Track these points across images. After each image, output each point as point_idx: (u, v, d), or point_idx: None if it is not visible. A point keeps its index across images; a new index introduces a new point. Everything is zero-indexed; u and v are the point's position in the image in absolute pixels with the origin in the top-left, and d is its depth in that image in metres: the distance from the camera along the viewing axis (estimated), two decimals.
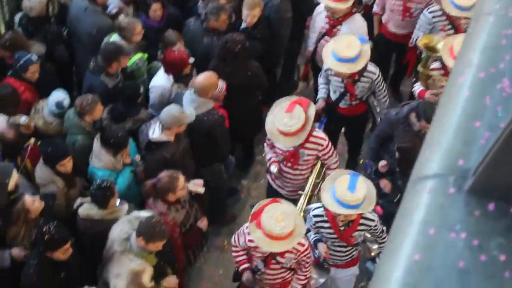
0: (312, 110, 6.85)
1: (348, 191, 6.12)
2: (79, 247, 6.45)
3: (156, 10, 8.41)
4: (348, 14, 8.20)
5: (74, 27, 8.42)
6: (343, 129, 8.66)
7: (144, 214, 6.36)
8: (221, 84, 7.45)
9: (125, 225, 6.29)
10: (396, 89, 9.94)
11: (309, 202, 7.14)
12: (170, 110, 7.03)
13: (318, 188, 7.20)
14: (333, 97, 8.01)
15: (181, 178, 6.63)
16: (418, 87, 7.76)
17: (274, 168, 7.25)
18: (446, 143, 1.85)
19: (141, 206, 6.93)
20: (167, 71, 7.67)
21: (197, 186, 7.04)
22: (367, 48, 7.41)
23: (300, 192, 7.25)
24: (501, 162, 1.71)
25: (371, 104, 8.03)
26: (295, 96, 7.11)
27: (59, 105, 7.38)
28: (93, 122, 7.29)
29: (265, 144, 7.54)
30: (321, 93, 8.09)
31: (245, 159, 9.12)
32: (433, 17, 8.17)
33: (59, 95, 7.45)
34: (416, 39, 8.20)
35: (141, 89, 7.62)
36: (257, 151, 9.19)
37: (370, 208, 6.29)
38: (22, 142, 7.11)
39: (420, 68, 7.71)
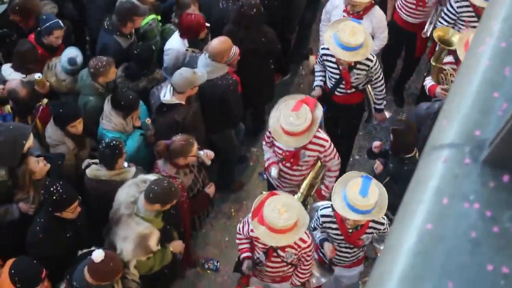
0: (320, 111, 6.59)
1: (360, 196, 5.91)
2: (86, 207, 6.49)
3: None
4: (368, 6, 7.81)
5: None
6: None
7: (151, 177, 6.37)
8: (235, 49, 7.40)
9: (132, 188, 6.30)
10: (399, 93, 9.58)
11: (304, 202, 6.88)
12: (182, 73, 7.00)
13: (315, 189, 7.08)
14: (329, 84, 7.70)
15: (195, 144, 6.62)
16: (429, 82, 7.48)
17: (274, 171, 6.96)
18: (463, 112, 1.82)
19: (150, 169, 6.93)
20: (182, 35, 7.63)
21: (207, 157, 7.02)
22: (370, 38, 7.18)
23: (295, 190, 7.02)
24: None
25: (367, 93, 7.80)
26: (302, 95, 6.81)
27: (71, 61, 7.36)
28: (106, 83, 7.26)
29: (263, 142, 7.26)
30: (318, 81, 7.81)
31: (255, 126, 9.10)
32: (459, 7, 7.75)
33: (72, 52, 7.43)
34: (432, 31, 7.99)
35: (154, 49, 7.58)
36: (267, 119, 9.16)
37: (381, 215, 6.09)
38: (34, 102, 7.11)
39: (432, 61, 7.41)
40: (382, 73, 7.52)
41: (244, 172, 8.83)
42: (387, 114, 8.16)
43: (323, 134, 6.84)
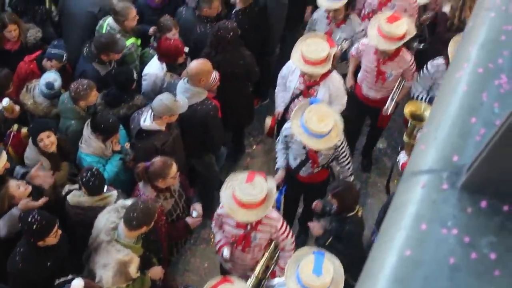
0: (272, 183, 6.26)
1: (314, 275, 5.61)
2: (67, 234, 6.42)
3: None
4: (325, 73, 7.44)
5: (70, 8, 8.35)
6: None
7: (131, 202, 6.32)
8: (215, 74, 7.40)
9: (111, 214, 6.24)
10: (367, 156, 9.24)
11: (258, 285, 6.53)
12: (162, 99, 6.98)
13: (270, 271, 6.72)
14: (293, 164, 7.35)
15: (174, 166, 6.57)
16: (402, 157, 7.20)
17: (226, 252, 6.53)
18: (441, 138, 1.83)
19: (130, 194, 6.89)
20: (160, 59, 7.63)
21: (196, 213, 7.05)
22: (340, 124, 6.80)
23: (249, 273, 6.61)
24: (495, 160, 1.69)
25: (334, 171, 7.59)
26: (249, 171, 6.49)
27: (49, 85, 7.34)
28: (87, 107, 7.24)
29: (212, 224, 6.84)
30: (280, 161, 7.45)
31: (235, 151, 9.09)
32: (436, 71, 7.63)
33: (50, 76, 7.42)
34: (401, 108, 7.67)
35: (135, 75, 7.58)
36: (247, 143, 9.17)
37: None
38: (5, 128, 7.08)
39: (405, 138, 7.23)
40: (348, 149, 7.29)
41: None
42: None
43: (274, 213, 6.43)
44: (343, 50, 8.19)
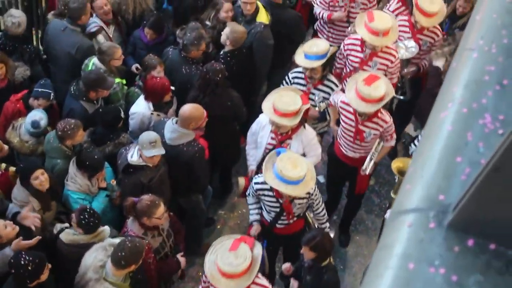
0: (259, 249, 6.04)
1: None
2: (56, 272, 6.38)
3: (147, 33, 8.52)
4: (297, 126, 7.39)
5: (52, 48, 8.43)
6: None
7: (118, 241, 6.30)
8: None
9: (99, 252, 6.22)
10: (345, 231, 8.91)
11: None
12: (149, 135, 7.01)
13: None
14: (268, 217, 7.27)
15: (161, 208, 6.56)
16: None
17: None
18: (427, 177, 1.84)
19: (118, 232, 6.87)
20: (147, 98, 7.66)
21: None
22: (312, 167, 6.84)
23: None
24: (481, 199, 1.70)
25: (309, 219, 7.41)
26: (238, 234, 6.40)
27: (34, 124, 7.34)
28: (73, 146, 7.25)
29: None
30: (254, 215, 7.37)
31: (223, 189, 9.09)
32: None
33: (36, 114, 7.43)
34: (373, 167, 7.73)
35: (122, 114, 7.60)
36: (234, 181, 9.17)
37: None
38: None
39: (393, 194, 7.24)
40: (321, 197, 7.22)
41: (211, 234, 8.77)
42: (331, 234, 7.94)
43: (263, 280, 6.19)
44: (321, 110, 8.02)
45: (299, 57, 7.85)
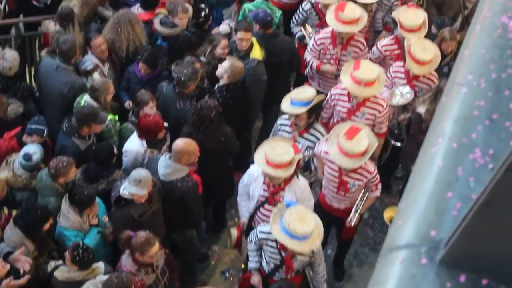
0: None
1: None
2: None
3: (142, 68, 8.55)
4: (289, 177, 7.17)
5: (44, 86, 8.44)
6: None
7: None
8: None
9: None
10: (339, 265, 8.70)
11: None
12: (136, 173, 6.99)
13: None
14: (266, 268, 7.10)
15: (155, 246, 6.53)
16: None
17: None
18: (419, 213, 1.84)
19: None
20: (141, 136, 7.65)
21: None
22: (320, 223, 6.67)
23: None
24: (472, 234, 1.70)
25: (308, 277, 7.23)
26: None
27: (26, 156, 7.33)
28: (66, 183, 7.23)
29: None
30: (253, 263, 7.20)
31: (216, 224, 9.05)
32: None
33: (30, 148, 7.43)
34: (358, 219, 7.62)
35: (115, 151, 7.59)
36: (228, 216, 9.14)
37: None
38: None
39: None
40: (323, 257, 7.15)
41: (205, 270, 8.71)
42: None
43: None
44: (306, 159, 7.85)
45: (285, 103, 7.71)
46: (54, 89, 8.26)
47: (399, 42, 8.79)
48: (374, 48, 9.15)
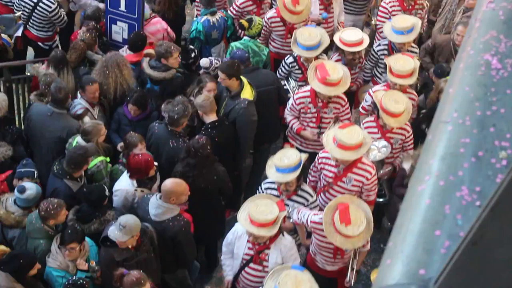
0: None
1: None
2: None
3: (131, 110, 8.57)
4: (275, 235, 7.04)
5: (38, 132, 8.40)
6: None
7: None
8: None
9: None
10: None
11: None
12: (122, 218, 6.94)
13: None
14: None
15: (146, 287, 6.49)
16: None
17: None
18: (407, 251, 1.84)
19: None
20: (132, 176, 7.64)
21: None
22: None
23: None
24: (461, 273, 1.70)
25: None
26: None
27: (20, 188, 7.36)
28: (56, 226, 7.21)
29: None
30: None
31: (209, 263, 9.01)
32: None
33: (27, 183, 7.47)
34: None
35: (107, 192, 7.57)
36: (220, 255, 9.09)
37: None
38: None
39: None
40: None
41: None
42: None
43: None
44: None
45: (270, 170, 7.48)
46: (51, 134, 8.23)
47: (390, 88, 8.75)
48: (367, 95, 9.08)
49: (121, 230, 6.80)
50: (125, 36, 9.85)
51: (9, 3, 10.58)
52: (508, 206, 1.69)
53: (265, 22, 9.89)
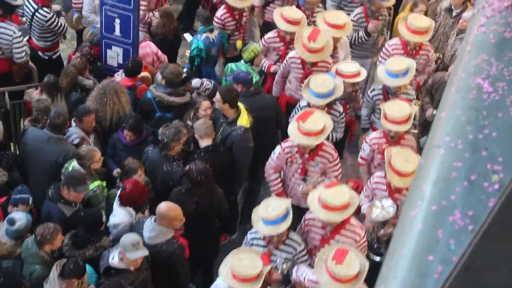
0: None
1: None
2: None
3: (127, 135, 8.57)
4: None
5: (34, 157, 8.39)
6: None
7: None
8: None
9: None
10: None
11: None
12: (130, 237, 6.97)
13: None
14: None
15: None
16: None
17: None
18: (401, 277, 1.83)
19: None
20: (125, 204, 7.63)
21: None
22: None
23: None
24: None
25: None
26: None
27: (9, 220, 7.30)
28: (52, 251, 7.17)
29: None
30: None
31: (205, 286, 8.97)
32: None
33: (16, 214, 7.42)
34: None
35: (103, 217, 7.55)
36: (215, 279, 9.05)
37: None
38: None
39: None
40: None
41: None
42: None
43: None
44: (284, 273, 7.40)
45: (258, 225, 7.24)
46: (48, 159, 8.21)
47: (387, 135, 8.54)
48: (364, 144, 8.82)
49: (137, 248, 6.82)
50: (120, 61, 9.86)
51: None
52: (500, 230, 1.69)
53: (286, 60, 9.66)
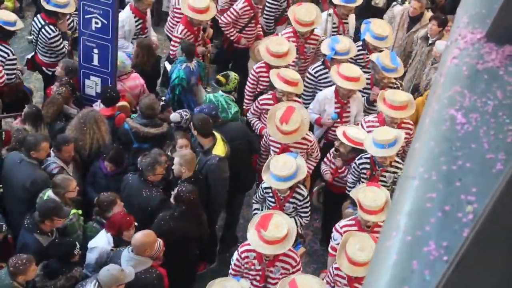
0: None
1: None
2: None
3: (107, 166, 8.58)
4: None
5: (8, 180, 8.36)
6: None
7: None
8: (159, 243, 7.43)
9: None
10: None
11: None
12: (110, 269, 6.94)
13: None
14: None
15: None
16: None
17: None
18: None
19: None
20: (109, 229, 7.63)
21: None
22: None
23: None
24: None
25: None
26: None
27: None
28: (26, 282, 7.12)
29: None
30: None
31: None
32: None
33: None
34: None
35: (78, 248, 7.49)
36: None
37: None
38: None
39: None
40: None
41: None
42: None
43: None
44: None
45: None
46: (18, 182, 8.21)
47: (360, 224, 8.06)
48: (334, 233, 8.21)
49: (123, 270, 6.93)
50: (98, 91, 9.88)
51: None
52: (474, 260, 1.70)
53: (264, 138, 9.35)
